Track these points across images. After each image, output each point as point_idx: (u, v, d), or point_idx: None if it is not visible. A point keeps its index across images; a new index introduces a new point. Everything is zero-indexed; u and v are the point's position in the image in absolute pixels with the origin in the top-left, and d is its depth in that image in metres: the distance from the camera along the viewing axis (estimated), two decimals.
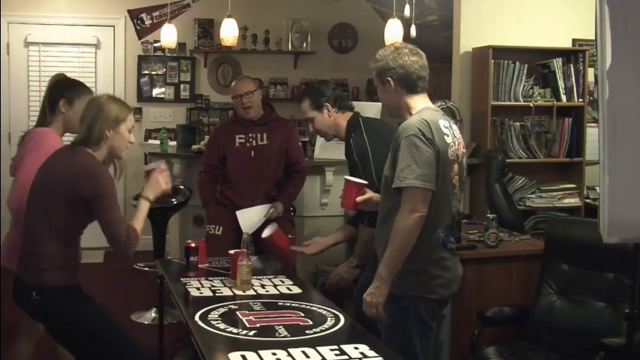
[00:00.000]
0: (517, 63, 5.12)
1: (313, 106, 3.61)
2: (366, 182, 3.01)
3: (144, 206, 3.00)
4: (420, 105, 2.81)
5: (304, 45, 7.70)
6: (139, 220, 2.95)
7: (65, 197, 2.80)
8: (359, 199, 2.98)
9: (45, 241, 2.82)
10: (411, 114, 2.80)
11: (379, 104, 5.22)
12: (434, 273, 2.75)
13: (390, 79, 2.80)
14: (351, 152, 3.53)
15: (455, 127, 2.84)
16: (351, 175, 3.57)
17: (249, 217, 4.32)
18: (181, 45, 7.37)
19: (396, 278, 2.75)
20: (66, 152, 2.94)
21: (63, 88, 3.43)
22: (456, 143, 2.79)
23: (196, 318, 2.75)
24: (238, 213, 4.37)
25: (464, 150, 2.88)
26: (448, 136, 2.74)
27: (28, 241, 2.89)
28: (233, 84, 4.52)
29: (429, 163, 2.64)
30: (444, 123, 2.76)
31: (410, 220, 2.64)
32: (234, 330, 2.61)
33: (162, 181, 3.05)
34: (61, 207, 2.81)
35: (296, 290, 3.20)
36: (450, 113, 4.98)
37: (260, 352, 2.36)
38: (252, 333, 2.58)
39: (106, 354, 2.91)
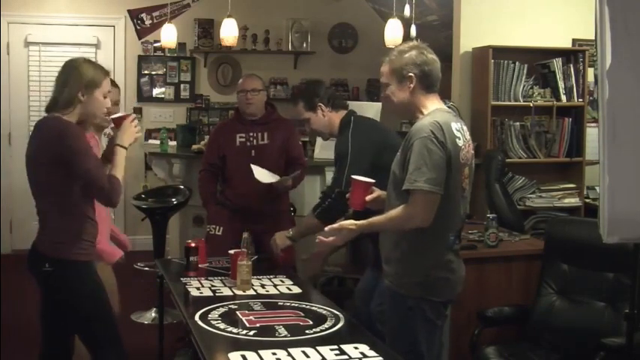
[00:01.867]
0: (517, 63, 5.13)
1: (307, 107, 3.61)
2: (373, 181, 3.00)
3: (121, 154, 2.91)
4: (433, 106, 2.77)
5: (304, 45, 7.70)
6: (119, 168, 2.87)
7: (46, 165, 2.79)
8: (368, 197, 2.98)
9: (53, 216, 2.84)
10: (422, 113, 2.75)
11: (379, 104, 5.23)
12: (440, 276, 2.74)
13: (412, 75, 2.73)
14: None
15: (465, 128, 2.80)
16: None
17: (263, 173, 4.25)
18: (181, 45, 7.37)
19: (401, 280, 2.76)
20: (35, 126, 2.92)
21: None
22: (467, 146, 2.75)
23: (196, 318, 2.75)
24: (253, 166, 4.26)
25: (472, 152, 2.84)
26: (460, 139, 2.70)
27: (41, 219, 2.91)
28: (241, 80, 4.55)
29: (440, 167, 2.61)
30: (456, 126, 2.72)
31: (407, 224, 2.66)
32: (234, 330, 2.61)
33: (134, 128, 2.96)
34: (48, 177, 2.80)
35: (296, 290, 3.20)
36: None
37: (260, 352, 2.36)
38: (252, 333, 2.58)
39: (90, 340, 2.93)
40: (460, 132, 2.72)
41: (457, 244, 2.81)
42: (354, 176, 3.03)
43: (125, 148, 2.93)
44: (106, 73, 2.93)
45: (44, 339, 3.02)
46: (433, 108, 2.76)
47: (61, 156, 2.75)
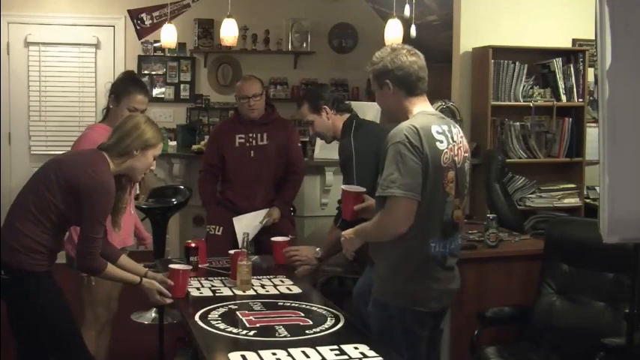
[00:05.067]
0: (517, 63, 5.13)
1: (312, 109, 3.63)
2: (364, 189, 2.99)
3: (130, 279, 2.98)
4: (418, 109, 2.72)
5: (304, 45, 7.70)
6: (114, 274, 2.93)
7: (66, 187, 2.80)
8: (356, 207, 2.96)
9: (28, 221, 2.80)
10: (408, 118, 2.71)
11: None
12: (424, 285, 2.68)
13: (388, 81, 2.72)
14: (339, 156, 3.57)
15: (455, 130, 2.74)
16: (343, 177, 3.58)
17: (246, 224, 4.30)
18: (181, 45, 7.37)
19: (384, 287, 2.73)
20: (87, 150, 3.03)
21: (116, 84, 3.55)
22: (455, 148, 2.68)
23: (196, 318, 2.75)
24: (235, 220, 4.36)
25: (466, 154, 2.77)
26: (442, 142, 2.63)
27: (12, 215, 2.88)
28: (240, 84, 4.46)
29: (414, 173, 2.56)
30: (438, 128, 2.65)
31: (384, 231, 2.64)
32: (234, 330, 2.61)
33: (157, 297, 2.99)
34: (59, 195, 2.80)
35: (296, 290, 3.20)
36: (450, 113, 4.99)
37: (260, 352, 2.36)
38: (252, 333, 2.58)
39: (54, 350, 2.91)
40: (444, 135, 2.66)
41: (444, 253, 2.70)
42: (343, 186, 3.03)
43: (136, 285, 2.97)
44: (162, 137, 3.08)
45: (16, 344, 2.98)
46: (417, 111, 2.72)
47: (82, 193, 2.77)
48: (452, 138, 2.69)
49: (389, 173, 2.57)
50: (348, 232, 2.83)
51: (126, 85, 3.49)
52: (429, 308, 2.71)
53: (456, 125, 2.80)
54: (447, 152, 2.64)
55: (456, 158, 2.69)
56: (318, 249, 3.50)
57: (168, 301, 3.00)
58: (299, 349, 2.40)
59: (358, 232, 2.79)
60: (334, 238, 3.37)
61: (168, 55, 7.50)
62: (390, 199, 2.57)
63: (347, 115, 3.62)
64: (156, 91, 7.52)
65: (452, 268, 2.78)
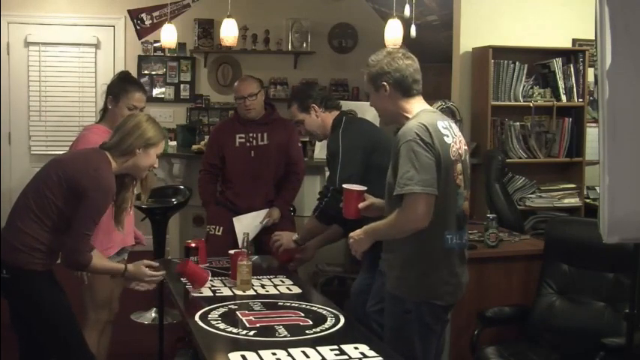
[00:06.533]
0: (517, 63, 5.13)
1: (301, 109, 3.65)
2: (365, 188, 3.00)
3: (115, 267, 3.02)
4: (417, 108, 2.78)
5: (304, 45, 7.70)
6: (101, 267, 2.95)
7: (67, 186, 2.80)
8: (360, 205, 2.97)
9: (29, 220, 2.81)
10: (407, 118, 2.76)
11: None
12: (441, 278, 2.72)
13: (385, 83, 2.77)
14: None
15: (454, 125, 2.81)
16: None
17: (246, 224, 4.30)
18: (181, 45, 7.37)
19: (400, 282, 2.75)
20: (89, 149, 3.04)
21: (112, 85, 3.52)
22: (457, 142, 2.76)
23: (196, 318, 2.75)
24: (235, 220, 4.36)
25: (466, 148, 2.84)
26: (448, 136, 2.71)
27: (14, 215, 2.88)
28: (236, 84, 4.48)
29: (429, 168, 2.60)
30: (442, 124, 2.73)
31: (404, 228, 2.65)
32: (234, 330, 2.61)
33: (148, 277, 3.06)
34: (60, 195, 2.80)
35: (296, 290, 3.20)
36: (450, 113, 4.99)
37: (260, 352, 2.36)
38: (252, 333, 2.58)
39: (56, 349, 2.91)
40: (448, 129, 2.73)
41: (460, 244, 2.77)
42: (345, 185, 3.03)
43: (123, 273, 3.00)
44: (165, 135, 3.10)
45: (19, 342, 2.98)
46: (417, 110, 2.77)
47: (82, 191, 2.77)
48: (454, 132, 2.77)
49: (405, 171, 2.60)
50: (357, 233, 2.84)
51: (123, 85, 3.48)
52: (444, 302, 2.75)
53: (453, 121, 2.87)
54: (453, 146, 2.72)
55: (460, 151, 2.77)
56: (296, 235, 3.62)
57: (154, 281, 3.09)
58: (299, 349, 2.40)
59: (369, 233, 2.80)
60: (311, 226, 3.58)
61: (168, 55, 7.51)
62: (409, 196, 2.59)
63: (336, 113, 3.64)
64: (156, 91, 7.52)
65: (465, 260, 2.84)
